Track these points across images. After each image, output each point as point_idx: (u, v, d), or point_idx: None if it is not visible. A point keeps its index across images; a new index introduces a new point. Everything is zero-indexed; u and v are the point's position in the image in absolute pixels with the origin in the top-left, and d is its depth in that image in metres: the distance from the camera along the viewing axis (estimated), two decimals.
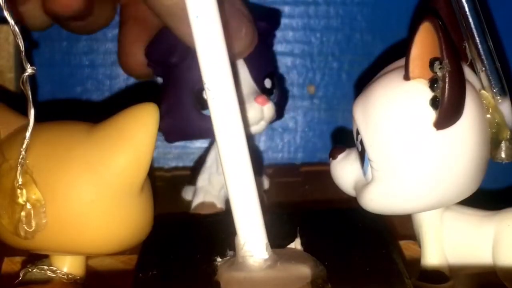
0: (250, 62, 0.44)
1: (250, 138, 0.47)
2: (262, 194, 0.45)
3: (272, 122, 0.45)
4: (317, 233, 0.37)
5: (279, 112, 0.46)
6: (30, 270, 0.34)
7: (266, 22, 0.45)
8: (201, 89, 0.43)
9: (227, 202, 0.45)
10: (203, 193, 0.45)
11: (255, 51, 0.44)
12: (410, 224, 0.36)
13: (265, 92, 0.44)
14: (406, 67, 0.32)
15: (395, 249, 0.35)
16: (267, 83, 0.44)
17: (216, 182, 0.45)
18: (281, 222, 0.37)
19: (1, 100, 0.36)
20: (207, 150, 0.47)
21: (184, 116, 0.43)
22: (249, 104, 0.42)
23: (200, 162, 0.49)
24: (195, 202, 0.45)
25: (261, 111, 0.42)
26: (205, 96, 0.42)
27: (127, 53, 0.47)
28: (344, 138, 0.41)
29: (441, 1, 0.34)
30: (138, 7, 0.47)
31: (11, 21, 0.31)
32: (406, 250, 0.38)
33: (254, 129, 0.43)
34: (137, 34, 0.47)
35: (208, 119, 0.42)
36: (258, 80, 0.44)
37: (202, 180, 0.46)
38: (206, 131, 0.43)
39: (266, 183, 0.49)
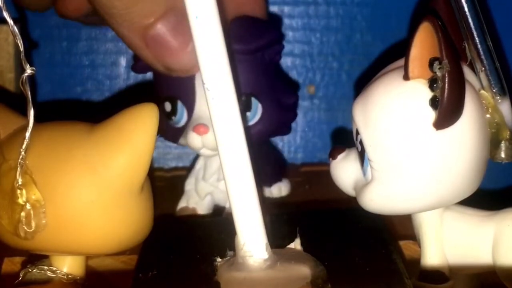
0: None
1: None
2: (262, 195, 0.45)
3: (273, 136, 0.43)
4: (317, 233, 0.37)
5: (280, 129, 0.44)
6: (30, 270, 0.34)
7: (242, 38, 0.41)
8: (163, 101, 0.42)
9: (215, 209, 0.45)
10: (187, 198, 0.45)
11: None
12: (410, 224, 0.36)
13: None
14: (406, 67, 0.32)
15: (395, 249, 0.35)
16: None
17: (200, 188, 0.44)
18: (281, 222, 0.37)
19: (1, 100, 0.36)
20: None
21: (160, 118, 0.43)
22: (188, 132, 0.41)
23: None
24: (179, 206, 0.45)
25: (199, 140, 0.41)
26: (166, 109, 0.42)
27: None
28: (344, 138, 0.41)
29: (441, 1, 0.34)
30: None
31: (11, 21, 0.31)
32: (406, 250, 0.38)
33: (203, 153, 0.42)
34: None
35: (171, 128, 0.42)
36: None
37: (189, 184, 0.45)
38: (172, 138, 0.43)
39: (285, 189, 0.47)
